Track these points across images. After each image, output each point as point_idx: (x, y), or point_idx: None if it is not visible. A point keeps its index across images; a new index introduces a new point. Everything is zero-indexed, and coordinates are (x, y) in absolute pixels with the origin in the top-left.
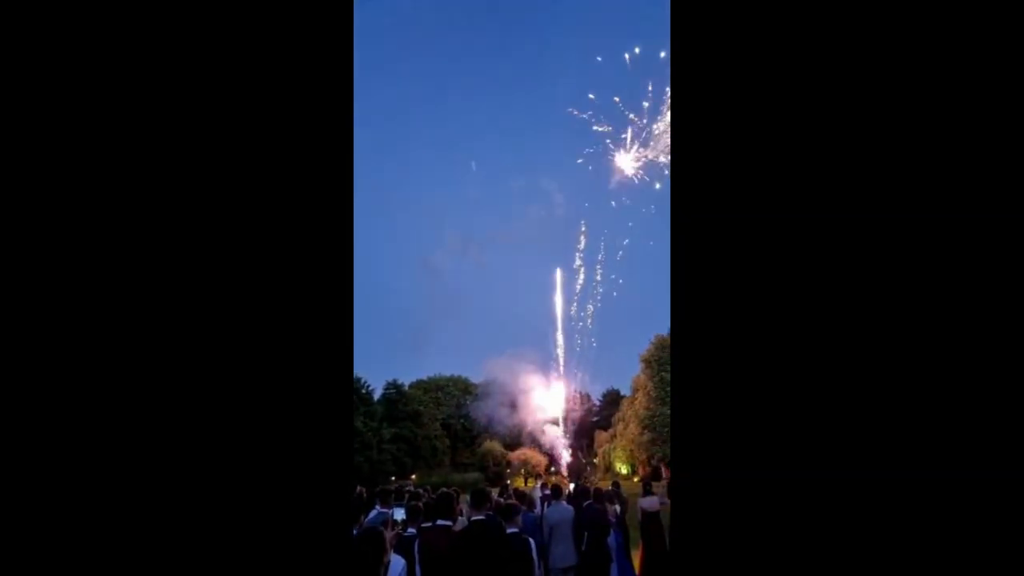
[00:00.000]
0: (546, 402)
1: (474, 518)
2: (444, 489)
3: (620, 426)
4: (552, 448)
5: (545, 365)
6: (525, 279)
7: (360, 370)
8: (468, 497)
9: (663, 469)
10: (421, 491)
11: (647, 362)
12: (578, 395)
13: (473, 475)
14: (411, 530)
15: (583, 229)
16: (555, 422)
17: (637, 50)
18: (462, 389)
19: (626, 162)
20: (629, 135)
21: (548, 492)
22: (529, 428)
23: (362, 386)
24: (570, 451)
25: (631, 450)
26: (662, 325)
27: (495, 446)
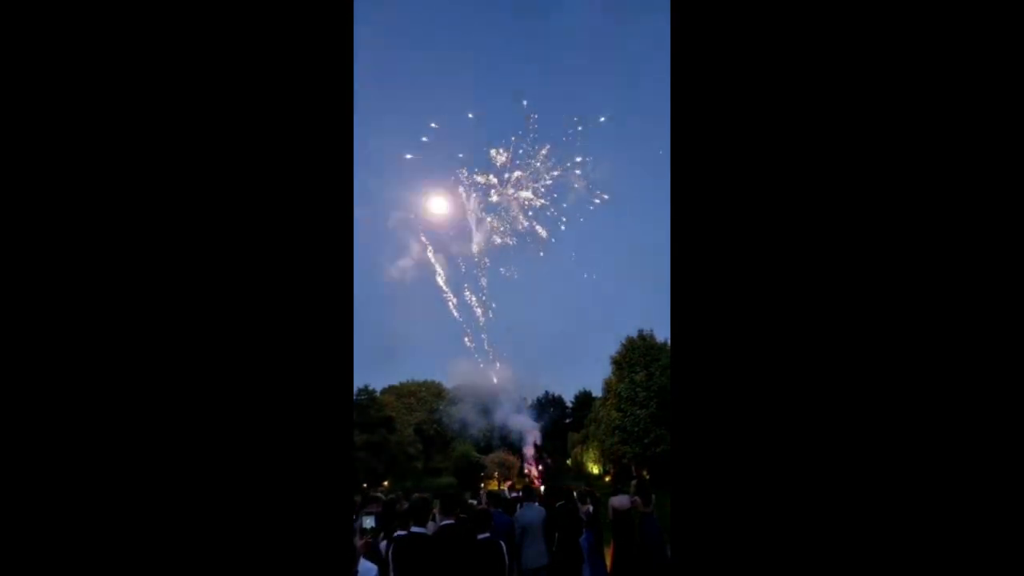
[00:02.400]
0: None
1: (444, 523)
2: (418, 495)
3: (592, 427)
4: (521, 440)
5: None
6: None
7: None
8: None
9: (633, 468)
10: (395, 497)
11: (617, 363)
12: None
13: (447, 479)
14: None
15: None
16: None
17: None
18: (435, 394)
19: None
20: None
21: (516, 494)
22: (499, 424)
23: None
24: (536, 452)
25: (602, 451)
26: (632, 327)
27: (469, 450)
